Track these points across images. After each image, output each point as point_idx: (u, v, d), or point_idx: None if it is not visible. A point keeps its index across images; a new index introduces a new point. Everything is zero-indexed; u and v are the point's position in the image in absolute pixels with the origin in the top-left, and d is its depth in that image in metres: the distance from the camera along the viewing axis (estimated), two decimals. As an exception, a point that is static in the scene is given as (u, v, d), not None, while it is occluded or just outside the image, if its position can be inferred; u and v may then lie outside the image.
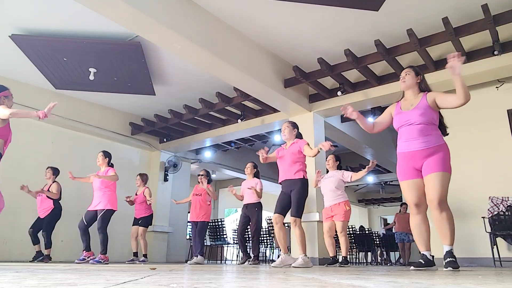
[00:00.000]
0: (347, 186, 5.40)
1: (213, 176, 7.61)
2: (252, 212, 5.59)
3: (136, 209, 6.42)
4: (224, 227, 8.26)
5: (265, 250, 9.95)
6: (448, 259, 2.77)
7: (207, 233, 8.21)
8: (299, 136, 4.34)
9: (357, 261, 9.71)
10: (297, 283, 1.43)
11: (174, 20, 4.17)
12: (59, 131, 6.99)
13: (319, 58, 5.35)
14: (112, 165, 5.49)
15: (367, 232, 9.38)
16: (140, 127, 7.94)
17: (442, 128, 3.06)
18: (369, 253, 10.35)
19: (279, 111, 6.60)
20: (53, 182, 5.77)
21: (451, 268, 2.70)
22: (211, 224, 8.00)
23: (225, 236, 8.45)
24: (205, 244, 8.43)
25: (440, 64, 5.23)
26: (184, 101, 6.99)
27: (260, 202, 5.70)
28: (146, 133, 8.10)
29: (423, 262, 2.85)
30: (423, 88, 3.11)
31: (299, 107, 6.15)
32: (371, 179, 12.04)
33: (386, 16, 4.58)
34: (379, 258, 10.47)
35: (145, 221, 6.41)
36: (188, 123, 7.79)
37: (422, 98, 3.01)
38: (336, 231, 4.88)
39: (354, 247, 9.29)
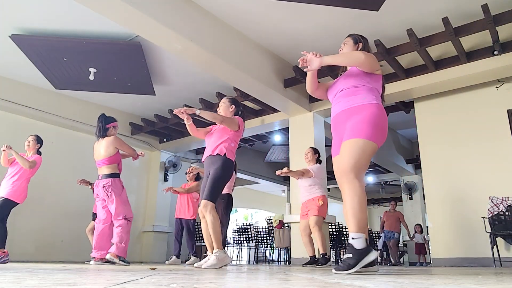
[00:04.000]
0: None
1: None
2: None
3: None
4: (224, 227, 8.25)
5: (265, 250, 9.96)
6: (348, 255, 2.10)
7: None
8: (238, 114, 3.78)
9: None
10: (297, 283, 1.43)
11: (174, 20, 4.17)
12: (59, 131, 6.99)
13: (319, 58, 5.34)
14: (40, 153, 4.97)
15: (367, 232, 9.36)
16: (140, 127, 7.94)
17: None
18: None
19: (279, 111, 6.60)
20: None
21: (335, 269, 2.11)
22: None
23: (225, 236, 8.42)
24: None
25: (440, 64, 5.23)
26: (184, 101, 6.98)
27: (230, 194, 4.89)
28: (146, 133, 8.09)
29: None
30: None
31: (299, 107, 6.15)
32: (371, 179, 12.03)
33: (386, 16, 4.58)
34: (379, 258, 10.48)
35: None
36: (188, 123, 7.78)
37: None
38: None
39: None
